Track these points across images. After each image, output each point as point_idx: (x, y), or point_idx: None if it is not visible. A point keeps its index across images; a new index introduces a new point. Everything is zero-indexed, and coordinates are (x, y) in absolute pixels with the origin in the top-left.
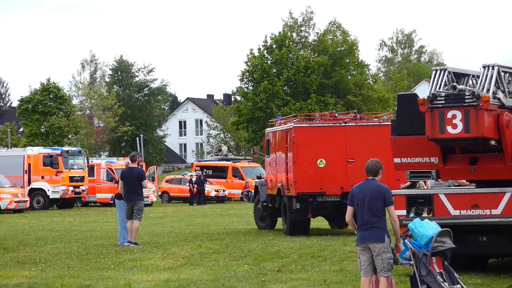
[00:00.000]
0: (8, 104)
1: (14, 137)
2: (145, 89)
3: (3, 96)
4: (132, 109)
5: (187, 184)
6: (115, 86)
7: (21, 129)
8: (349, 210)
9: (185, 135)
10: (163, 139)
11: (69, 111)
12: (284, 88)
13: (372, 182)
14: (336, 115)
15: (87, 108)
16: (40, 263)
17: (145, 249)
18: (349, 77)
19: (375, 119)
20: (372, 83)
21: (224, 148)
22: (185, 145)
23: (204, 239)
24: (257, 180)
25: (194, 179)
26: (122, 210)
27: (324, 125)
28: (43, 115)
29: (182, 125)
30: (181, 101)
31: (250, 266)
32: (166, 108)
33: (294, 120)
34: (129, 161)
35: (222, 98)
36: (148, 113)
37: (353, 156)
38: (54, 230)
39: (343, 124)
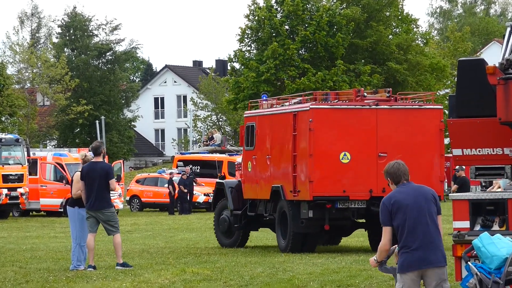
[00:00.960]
0: None
1: None
2: (108, 54)
3: None
4: (90, 81)
5: (166, 185)
6: (66, 49)
7: None
8: (388, 231)
9: (162, 117)
10: (133, 123)
11: (2, 83)
12: (300, 52)
13: (413, 184)
14: (365, 94)
15: (27, 79)
16: None
17: (107, 275)
18: (390, 36)
19: (414, 101)
20: (422, 45)
21: (217, 135)
22: (162, 131)
23: (189, 261)
24: (219, 181)
25: (175, 178)
26: (76, 221)
27: (350, 107)
28: None
29: (159, 103)
30: (158, 70)
31: None
32: (137, 80)
33: (299, 99)
34: (88, 154)
35: (214, 66)
36: (111, 86)
37: (386, 149)
38: None
39: (373, 106)
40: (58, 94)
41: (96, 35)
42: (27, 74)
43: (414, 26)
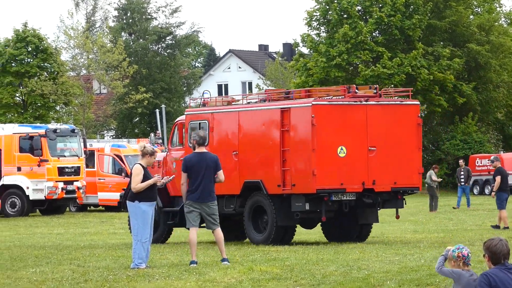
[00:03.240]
0: None
1: None
2: (168, 38)
3: None
4: (149, 67)
5: None
6: (123, 33)
7: None
8: None
9: None
10: None
11: (56, 70)
12: (373, 35)
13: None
14: (357, 91)
15: (82, 66)
16: None
17: (170, 274)
18: (471, 16)
19: (393, 97)
20: (506, 25)
21: None
22: None
23: (257, 259)
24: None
25: None
26: (137, 216)
27: (345, 103)
28: (18, 77)
29: (223, 90)
30: (221, 56)
31: None
32: (200, 66)
33: (257, 97)
34: (147, 145)
35: (281, 50)
36: (172, 73)
37: (375, 143)
38: (38, 246)
39: (364, 102)
40: (115, 81)
41: (155, 18)
42: (82, 60)
43: (497, 5)
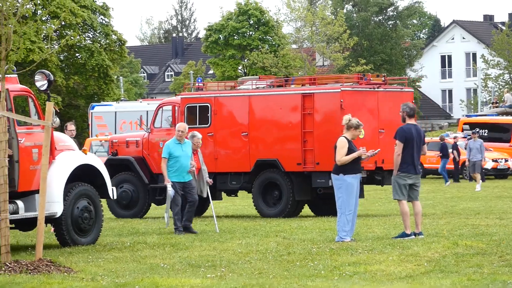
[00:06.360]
0: (193, 35)
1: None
2: (389, 10)
3: (187, 22)
4: (370, 39)
5: (451, 151)
6: (345, 5)
7: (210, 71)
8: None
9: (450, 76)
10: (417, 84)
11: (277, 43)
12: None
13: None
14: (371, 79)
15: (304, 39)
16: (221, 266)
17: (374, 248)
18: None
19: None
20: None
21: (508, 96)
22: (450, 91)
23: (464, 233)
24: (113, 157)
25: (461, 143)
26: (343, 188)
27: (365, 89)
28: (240, 50)
29: (446, 61)
30: (445, 26)
31: None
32: (423, 37)
33: (263, 82)
34: (352, 118)
35: (508, 20)
36: (393, 44)
37: (384, 126)
38: (246, 218)
39: (376, 89)
40: (336, 53)
41: None
42: (304, 33)
43: None
